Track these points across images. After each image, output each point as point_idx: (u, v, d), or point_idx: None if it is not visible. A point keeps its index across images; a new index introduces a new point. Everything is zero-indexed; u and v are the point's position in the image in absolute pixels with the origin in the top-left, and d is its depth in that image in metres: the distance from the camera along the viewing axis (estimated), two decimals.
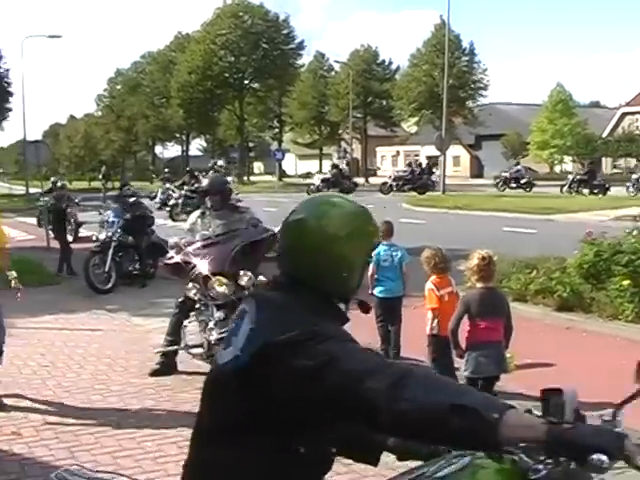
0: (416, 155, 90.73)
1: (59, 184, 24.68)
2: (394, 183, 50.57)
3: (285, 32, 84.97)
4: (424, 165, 53.67)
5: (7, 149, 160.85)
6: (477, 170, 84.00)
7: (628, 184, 43.24)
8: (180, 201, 32.37)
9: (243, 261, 8.75)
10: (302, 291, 2.55)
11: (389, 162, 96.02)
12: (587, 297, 12.02)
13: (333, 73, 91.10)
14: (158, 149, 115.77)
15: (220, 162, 39.79)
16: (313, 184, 51.14)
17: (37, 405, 7.88)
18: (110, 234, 15.90)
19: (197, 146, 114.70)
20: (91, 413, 7.62)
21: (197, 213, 9.59)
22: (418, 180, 50.42)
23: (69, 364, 9.59)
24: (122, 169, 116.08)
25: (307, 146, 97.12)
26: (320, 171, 60.09)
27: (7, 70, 70.24)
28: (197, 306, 8.98)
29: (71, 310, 13.24)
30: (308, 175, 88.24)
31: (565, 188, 45.92)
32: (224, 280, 8.45)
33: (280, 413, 2.34)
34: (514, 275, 13.03)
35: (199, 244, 8.91)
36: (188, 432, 7.02)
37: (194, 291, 8.74)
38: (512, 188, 49.56)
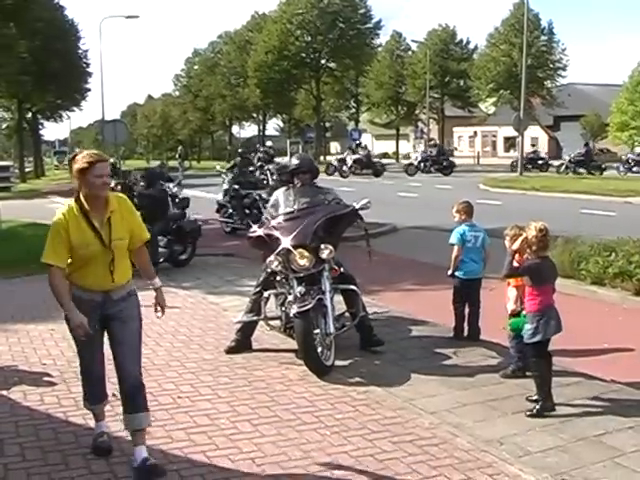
0: (493, 136, 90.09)
1: (160, 163, 25.05)
2: (421, 164, 50.23)
3: (362, 11, 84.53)
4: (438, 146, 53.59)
5: (86, 129, 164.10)
6: (555, 151, 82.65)
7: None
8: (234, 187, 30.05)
9: (325, 235, 8.74)
10: None
11: (466, 143, 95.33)
12: None
13: (410, 53, 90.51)
14: (235, 129, 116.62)
15: (269, 143, 39.24)
16: (336, 164, 50.66)
17: (113, 380, 7.96)
18: None
19: (274, 126, 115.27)
20: (166, 390, 7.70)
21: (281, 190, 9.56)
22: (444, 160, 50.12)
23: (145, 341, 9.53)
24: (199, 148, 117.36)
25: (384, 126, 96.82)
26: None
27: (86, 51, 71.45)
28: (278, 278, 9.01)
29: (147, 287, 13.33)
30: (385, 155, 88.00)
31: (562, 169, 47.25)
32: (306, 253, 8.45)
33: None
34: (592, 258, 12.76)
35: (282, 218, 8.92)
36: (262, 410, 7.13)
37: (276, 263, 8.70)
38: (528, 169, 49.46)
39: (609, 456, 6.01)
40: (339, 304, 9.22)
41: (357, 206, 9.34)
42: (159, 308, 6.48)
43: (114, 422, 6.64)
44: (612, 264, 12.36)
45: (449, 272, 9.58)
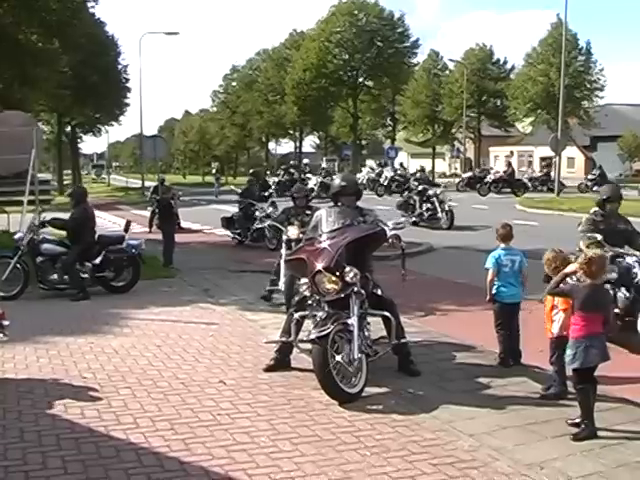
0: (530, 156, 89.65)
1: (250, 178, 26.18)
2: (392, 185, 48.71)
3: (400, 30, 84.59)
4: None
5: (123, 143, 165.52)
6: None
7: None
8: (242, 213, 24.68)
9: (352, 257, 8.54)
10: None
11: (502, 162, 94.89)
12: None
13: (447, 72, 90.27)
14: (271, 145, 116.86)
15: (306, 160, 37.89)
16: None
17: (153, 396, 8.05)
18: (22, 236, 14.69)
19: (310, 143, 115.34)
20: (206, 406, 7.74)
21: (323, 210, 9.45)
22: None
23: (184, 357, 9.74)
24: (235, 164, 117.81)
25: (420, 145, 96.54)
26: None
27: (126, 66, 72.27)
28: (309, 302, 8.92)
29: (186, 303, 13.47)
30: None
31: None
32: (333, 278, 8.30)
33: None
34: None
35: (316, 240, 8.84)
36: (302, 429, 7.14)
37: (305, 287, 8.70)
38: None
39: None
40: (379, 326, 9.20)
41: (391, 225, 9.26)
42: None
43: (155, 437, 6.69)
44: None
45: (487, 297, 9.51)
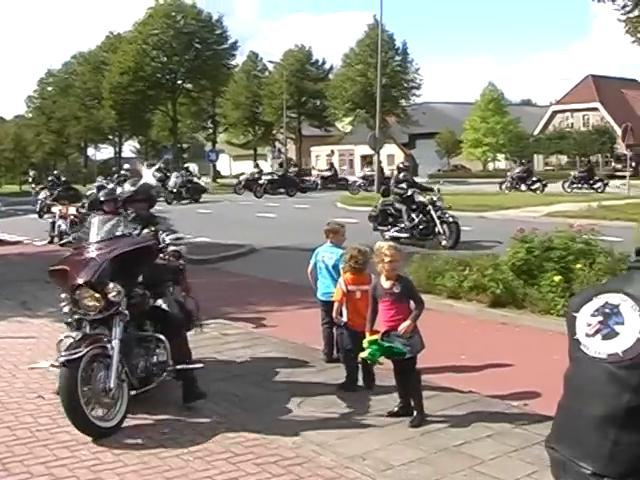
0: (351, 154, 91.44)
1: None
2: (182, 190, 46.75)
3: (218, 32, 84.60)
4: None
5: None
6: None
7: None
8: (67, 222, 24.28)
9: (121, 272, 7.45)
10: None
11: (324, 162, 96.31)
12: (520, 293, 12.14)
13: (267, 73, 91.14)
14: (90, 151, 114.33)
15: (127, 165, 36.35)
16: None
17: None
18: None
19: (130, 148, 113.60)
20: (24, 423, 7.48)
21: (95, 218, 8.34)
22: (195, 185, 48.66)
23: (0, 373, 9.41)
24: (54, 172, 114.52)
25: (241, 147, 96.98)
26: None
27: None
28: (69, 320, 7.98)
29: (1, 317, 12.98)
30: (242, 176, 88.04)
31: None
32: (95, 294, 7.26)
33: None
34: (448, 273, 13.12)
35: (79, 250, 7.93)
36: (124, 439, 6.97)
37: (65, 303, 7.74)
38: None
39: (469, 465, 6.20)
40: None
41: (168, 240, 8.64)
42: None
43: None
44: (467, 278, 12.73)
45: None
